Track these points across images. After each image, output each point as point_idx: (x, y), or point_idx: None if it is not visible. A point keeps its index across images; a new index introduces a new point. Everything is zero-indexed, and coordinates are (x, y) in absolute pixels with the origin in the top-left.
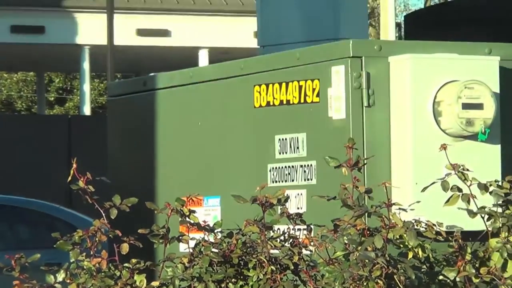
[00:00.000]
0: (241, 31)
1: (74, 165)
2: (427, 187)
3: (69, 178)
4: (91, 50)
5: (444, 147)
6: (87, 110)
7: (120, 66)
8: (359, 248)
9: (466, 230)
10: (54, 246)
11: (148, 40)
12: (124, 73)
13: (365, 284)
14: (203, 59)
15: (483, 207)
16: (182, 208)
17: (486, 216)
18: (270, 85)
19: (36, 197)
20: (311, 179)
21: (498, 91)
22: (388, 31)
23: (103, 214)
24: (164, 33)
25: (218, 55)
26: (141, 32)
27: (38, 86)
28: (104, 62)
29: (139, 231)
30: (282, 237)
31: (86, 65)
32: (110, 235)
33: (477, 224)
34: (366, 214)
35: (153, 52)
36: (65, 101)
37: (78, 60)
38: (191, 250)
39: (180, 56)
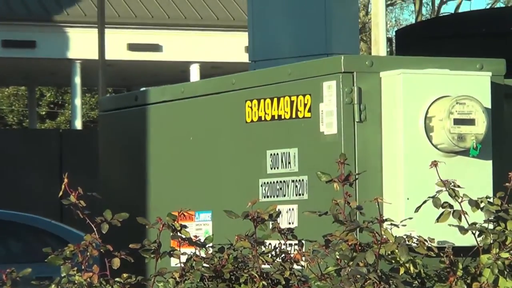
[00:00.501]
0: (232, 46)
1: (66, 180)
2: (420, 206)
3: (61, 193)
4: (83, 65)
5: (434, 164)
6: (78, 124)
7: (111, 81)
8: (351, 263)
9: (458, 246)
10: (46, 260)
11: (139, 55)
12: (116, 88)
13: None
14: (194, 73)
15: (474, 223)
16: (173, 223)
17: (477, 233)
18: (262, 100)
19: (27, 211)
20: (303, 194)
21: (489, 106)
22: (379, 46)
23: (95, 229)
24: (155, 48)
25: (209, 69)
26: (132, 47)
27: (29, 100)
28: (95, 77)
29: (130, 246)
30: (273, 252)
31: (77, 80)
32: (101, 250)
33: (469, 239)
34: (358, 229)
35: (144, 67)
36: (57, 115)
37: (70, 74)
38: (182, 265)
39: (171, 71)
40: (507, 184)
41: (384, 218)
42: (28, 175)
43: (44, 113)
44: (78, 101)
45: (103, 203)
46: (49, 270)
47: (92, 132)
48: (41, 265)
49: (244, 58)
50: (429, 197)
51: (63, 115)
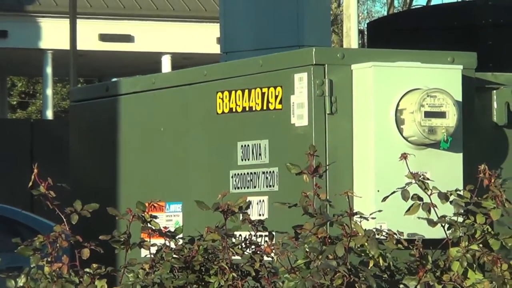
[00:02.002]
0: (204, 37)
1: (35, 171)
2: (387, 197)
3: (30, 184)
4: (54, 55)
5: (404, 156)
6: (49, 114)
7: (83, 71)
8: (320, 256)
9: (428, 238)
10: (15, 251)
11: (111, 45)
12: (87, 78)
13: None
14: (166, 64)
15: (444, 216)
16: (143, 214)
17: (447, 226)
18: (233, 92)
19: None
20: (273, 186)
21: (460, 99)
22: (351, 38)
23: (64, 220)
24: (127, 38)
25: (181, 60)
26: (104, 37)
27: (0, 90)
28: (67, 67)
29: (101, 237)
30: (243, 244)
31: (49, 70)
32: (71, 241)
33: (439, 232)
34: (328, 223)
35: (116, 57)
36: (28, 105)
37: (41, 64)
38: (152, 256)
39: (143, 61)
40: (480, 175)
41: (354, 211)
42: None
43: (15, 103)
44: (49, 91)
45: (73, 194)
46: (19, 260)
47: (64, 122)
48: (11, 255)
49: (216, 49)
50: (398, 189)
51: (34, 105)
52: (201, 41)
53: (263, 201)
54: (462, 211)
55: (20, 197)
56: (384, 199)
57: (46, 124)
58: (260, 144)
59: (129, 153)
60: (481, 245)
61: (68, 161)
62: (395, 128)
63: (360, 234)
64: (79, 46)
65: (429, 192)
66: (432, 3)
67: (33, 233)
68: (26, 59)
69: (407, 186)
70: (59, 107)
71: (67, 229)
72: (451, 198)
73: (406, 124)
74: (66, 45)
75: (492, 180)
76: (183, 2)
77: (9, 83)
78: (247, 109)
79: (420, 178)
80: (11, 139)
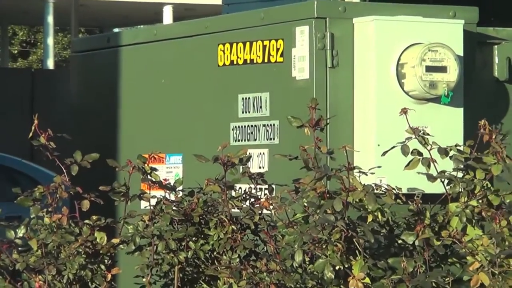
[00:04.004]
0: None
1: (36, 121)
2: (387, 151)
3: (30, 134)
4: (55, 4)
5: (404, 111)
6: (50, 64)
7: (84, 21)
8: (319, 211)
9: (427, 193)
10: (15, 201)
11: None
12: (88, 28)
13: (324, 247)
14: (167, 15)
15: (443, 172)
16: (143, 166)
17: (446, 181)
18: (234, 44)
19: None
20: (274, 139)
21: (462, 54)
22: None
23: (64, 171)
24: None
25: (183, 11)
26: None
27: (1, 39)
28: (68, 16)
29: (100, 188)
30: (243, 197)
31: (50, 19)
32: (71, 192)
33: (438, 187)
34: (326, 177)
35: (117, 7)
36: (29, 54)
37: (42, 13)
38: (152, 208)
39: (144, 12)
40: (480, 131)
41: (352, 166)
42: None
43: (16, 51)
44: (50, 41)
45: (74, 145)
46: (19, 209)
47: (65, 72)
48: (11, 205)
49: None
50: (398, 143)
51: (35, 54)
52: None
53: (263, 153)
54: (462, 166)
55: (20, 147)
56: (384, 153)
57: (47, 73)
58: (261, 96)
59: (130, 104)
60: (480, 201)
61: (69, 112)
62: (396, 82)
63: (358, 189)
64: None
65: (428, 147)
66: None
67: (33, 182)
68: (27, 8)
69: (407, 141)
70: (60, 57)
71: (67, 180)
72: (451, 153)
73: (407, 78)
74: None
75: (493, 136)
76: None
77: (10, 32)
78: (248, 61)
79: (420, 133)
80: (12, 88)
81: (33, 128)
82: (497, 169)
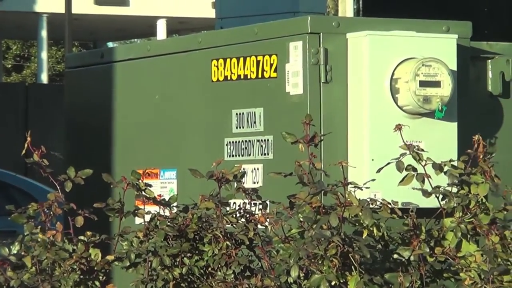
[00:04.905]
0: (199, 1)
1: (29, 139)
2: (382, 168)
3: (23, 152)
4: (49, 18)
5: (399, 127)
6: (44, 78)
7: (77, 35)
8: (314, 226)
9: (421, 208)
10: (9, 218)
11: (106, 9)
12: (82, 41)
13: (320, 262)
14: (161, 28)
15: (438, 187)
16: (138, 182)
17: (441, 196)
18: (228, 60)
19: None
20: (268, 154)
21: (455, 69)
22: (346, 3)
23: (58, 187)
24: (122, 2)
25: (176, 25)
26: (99, 1)
27: None
28: (62, 30)
29: (95, 205)
30: (237, 212)
31: (43, 33)
32: (65, 208)
33: (432, 201)
34: (322, 192)
35: (111, 21)
36: (23, 68)
37: (36, 28)
38: (146, 224)
39: (138, 26)
40: (469, 151)
41: (348, 181)
42: None
43: (10, 66)
44: (44, 55)
45: (67, 161)
46: (13, 224)
47: (59, 87)
48: (5, 219)
49: (211, 13)
50: (392, 159)
51: (29, 68)
52: (196, 5)
53: (257, 169)
54: (456, 182)
55: (14, 161)
56: (379, 170)
57: (41, 88)
58: (255, 112)
59: (124, 119)
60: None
61: (63, 125)
62: (389, 97)
63: (354, 204)
64: (74, 10)
65: (423, 163)
66: None
67: (27, 197)
68: (21, 22)
69: (401, 157)
70: (54, 70)
71: (60, 196)
72: (445, 168)
73: (401, 93)
74: (61, 9)
75: (481, 156)
76: None
77: (4, 46)
78: (242, 77)
79: (414, 150)
80: (6, 103)
81: (25, 145)
82: (484, 188)
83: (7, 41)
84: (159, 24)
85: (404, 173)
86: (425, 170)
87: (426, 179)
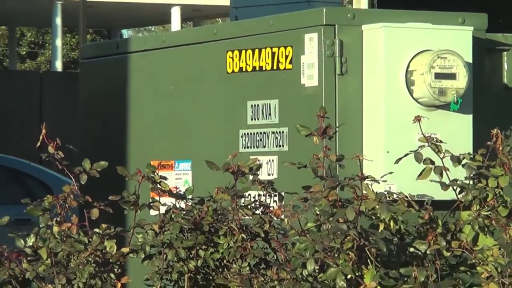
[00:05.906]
0: None
1: (43, 131)
2: (400, 159)
3: (38, 144)
4: (64, 5)
5: (418, 119)
6: (58, 65)
7: (92, 22)
8: (331, 219)
9: (436, 200)
10: (25, 211)
11: None
12: (96, 29)
13: (336, 255)
14: (175, 16)
15: (456, 180)
16: (153, 175)
17: (458, 189)
18: (243, 51)
19: (7, 153)
20: (283, 146)
21: (471, 61)
22: None
23: (73, 180)
24: None
25: (191, 12)
26: None
27: (10, 40)
28: (76, 17)
29: (110, 197)
30: (253, 205)
31: (58, 20)
32: (80, 201)
33: (448, 193)
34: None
35: (125, 9)
36: (37, 55)
37: (50, 15)
38: (161, 217)
39: (152, 13)
40: (488, 143)
41: (365, 175)
42: (8, 116)
43: (24, 53)
44: (58, 42)
45: (83, 152)
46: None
47: (73, 75)
48: (20, 207)
49: (225, 1)
50: (410, 151)
51: (43, 55)
52: None
53: (272, 160)
54: (474, 174)
55: (29, 150)
56: (398, 161)
57: (56, 75)
58: (270, 104)
59: (139, 110)
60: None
61: (77, 113)
62: (405, 89)
63: (370, 197)
64: None
65: (441, 155)
66: None
67: (42, 185)
68: (35, 9)
69: (420, 149)
70: (68, 58)
71: (76, 189)
72: (464, 161)
73: (416, 85)
74: None
75: (500, 148)
76: None
77: (18, 33)
78: (257, 68)
79: (433, 141)
80: (21, 90)
81: (40, 138)
82: (505, 180)
83: (21, 28)
84: (173, 12)
85: (421, 165)
86: (443, 163)
87: (444, 171)
